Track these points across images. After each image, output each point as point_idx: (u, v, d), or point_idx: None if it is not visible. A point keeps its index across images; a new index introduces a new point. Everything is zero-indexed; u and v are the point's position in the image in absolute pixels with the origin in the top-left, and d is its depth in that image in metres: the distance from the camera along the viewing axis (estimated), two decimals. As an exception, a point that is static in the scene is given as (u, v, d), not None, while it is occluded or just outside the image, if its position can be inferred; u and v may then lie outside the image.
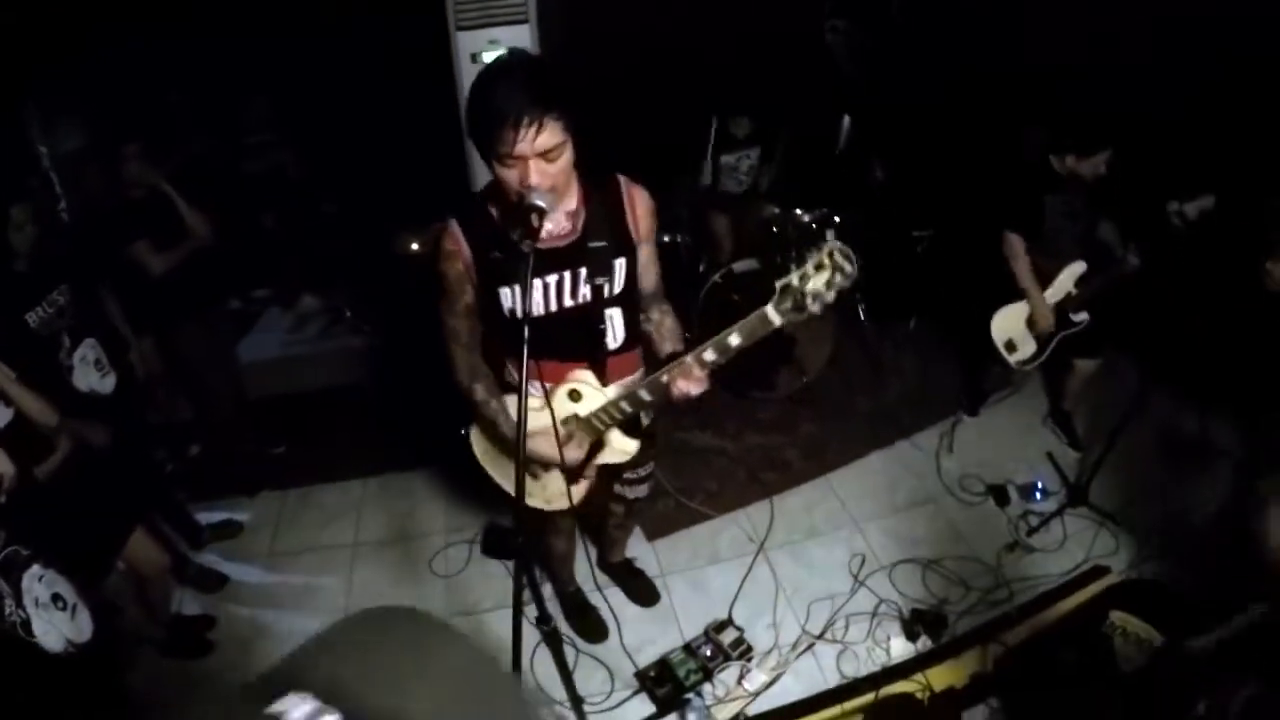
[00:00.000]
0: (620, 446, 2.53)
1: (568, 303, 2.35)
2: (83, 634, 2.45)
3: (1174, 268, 3.91)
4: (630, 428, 2.53)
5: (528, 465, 2.44)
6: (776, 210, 4.99)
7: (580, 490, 2.66)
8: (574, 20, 5.07)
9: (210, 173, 5.19)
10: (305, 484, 4.50)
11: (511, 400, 2.48)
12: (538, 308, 2.32)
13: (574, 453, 2.48)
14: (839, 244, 1.83)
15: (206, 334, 4.15)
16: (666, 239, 5.26)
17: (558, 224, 2.25)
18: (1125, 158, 3.78)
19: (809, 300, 1.86)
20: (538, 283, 2.27)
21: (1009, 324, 4.26)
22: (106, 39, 4.79)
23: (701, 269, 5.31)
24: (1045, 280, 4.11)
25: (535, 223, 1.98)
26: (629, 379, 2.55)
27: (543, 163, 1.99)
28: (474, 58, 4.15)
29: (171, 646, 3.49)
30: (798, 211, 4.90)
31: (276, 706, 0.51)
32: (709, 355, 2.11)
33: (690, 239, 5.40)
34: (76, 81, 4.76)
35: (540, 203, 1.99)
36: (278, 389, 5.18)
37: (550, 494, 2.70)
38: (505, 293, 2.30)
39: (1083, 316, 4.11)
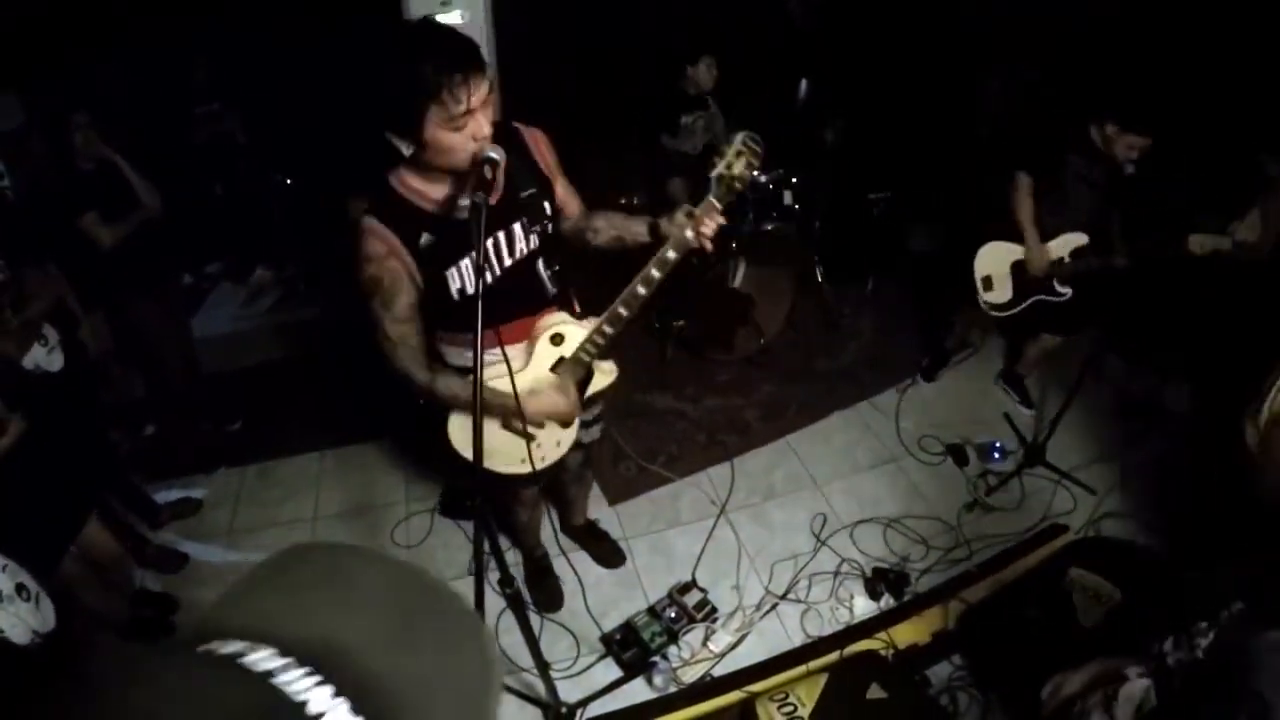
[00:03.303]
0: (605, 367, 2.63)
1: (506, 261, 2.35)
2: (47, 623, 2.41)
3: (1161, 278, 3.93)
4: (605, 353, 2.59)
5: (515, 427, 2.50)
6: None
7: (573, 431, 2.73)
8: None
9: (159, 143, 5.06)
10: (263, 459, 4.43)
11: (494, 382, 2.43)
12: (493, 271, 2.31)
13: (572, 398, 2.55)
14: (747, 132, 2.23)
15: (159, 309, 4.07)
16: (622, 201, 5.22)
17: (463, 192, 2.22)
18: (1161, 158, 3.72)
19: (738, 184, 2.22)
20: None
21: (993, 260, 4.18)
22: (49, 9, 4.65)
23: (658, 231, 5.28)
24: (1043, 237, 4.03)
25: (490, 175, 1.99)
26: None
27: (486, 110, 2.00)
28: (426, 20, 4.07)
29: (133, 630, 3.44)
30: (755, 173, 4.87)
31: (208, 646, 0.50)
32: (671, 254, 2.29)
33: (647, 200, 5.37)
34: (18, 55, 4.62)
35: (493, 154, 2.00)
36: (232, 364, 5.09)
37: (545, 450, 2.69)
38: (452, 273, 2.28)
39: (1066, 290, 4.06)
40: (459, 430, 2.59)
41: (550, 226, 2.43)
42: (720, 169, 2.22)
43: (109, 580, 3.32)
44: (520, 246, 2.36)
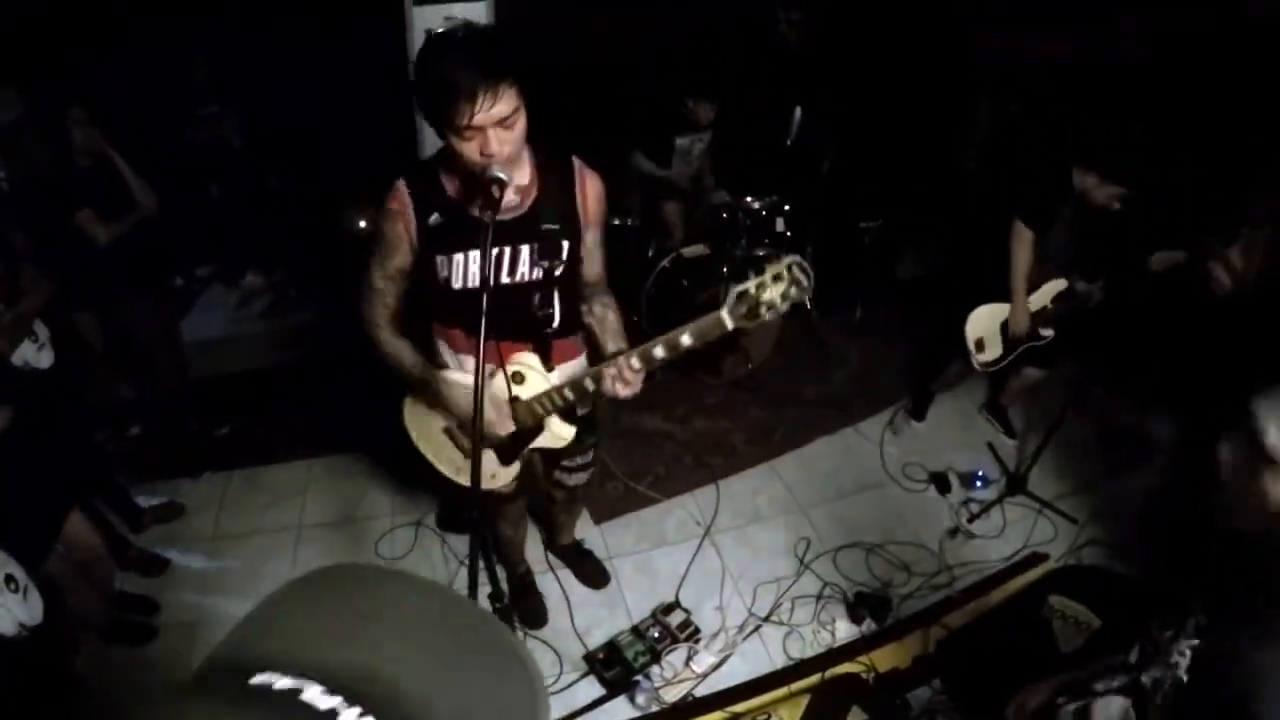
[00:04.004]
0: (558, 432, 2.55)
1: (505, 279, 2.34)
2: (34, 616, 2.41)
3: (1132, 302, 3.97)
4: (569, 415, 2.54)
5: (458, 437, 2.56)
6: (727, 197, 5.01)
7: (512, 471, 2.69)
8: (531, -1, 5.04)
9: (157, 142, 5.06)
10: (249, 465, 4.41)
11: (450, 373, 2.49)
12: (474, 280, 2.30)
13: (505, 425, 2.47)
14: (798, 258, 1.95)
15: (150, 310, 4.05)
16: (617, 222, 5.25)
17: (506, 197, 2.20)
18: (1140, 206, 3.73)
19: (763, 309, 1.97)
20: (477, 255, 2.25)
21: (984, 323, 4.20)
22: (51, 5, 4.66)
23: (651, 254, 5.32)
24: (1030, 288, 4.07)
25: (496, 194, 2.00)
26: (571, 364, 2.58)
27: (501, 130, 2.01)
28: (429, 34, 4.10)
29: (114, 632, 3.42)
30: (748, 199, 4.93)
31: (258, 679, 0.49)
32: (659, 352, 2.15)
33: (641, 223, 5.40)
34: (18, 48, 4.62)
35: (501, 175, 2.01)
36: (221, 368, 5.06)
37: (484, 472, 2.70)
38: (441, 260, 2.30)
39: (1049, 332, 4.11)
40: (410, 412, 2.74)
41: (561, 270, 2.40)
42: (749, 286, 1.97)
43: (92, 580, 3.30)
44: (522, 271, 2.35)
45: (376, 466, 4.40)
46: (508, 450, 2.57)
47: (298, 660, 0.50)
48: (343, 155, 5.17)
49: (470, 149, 2.02)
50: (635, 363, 2.18)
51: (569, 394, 2.36)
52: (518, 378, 2.44)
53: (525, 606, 3.57)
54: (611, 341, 2.47)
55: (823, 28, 5.54)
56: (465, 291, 2.31)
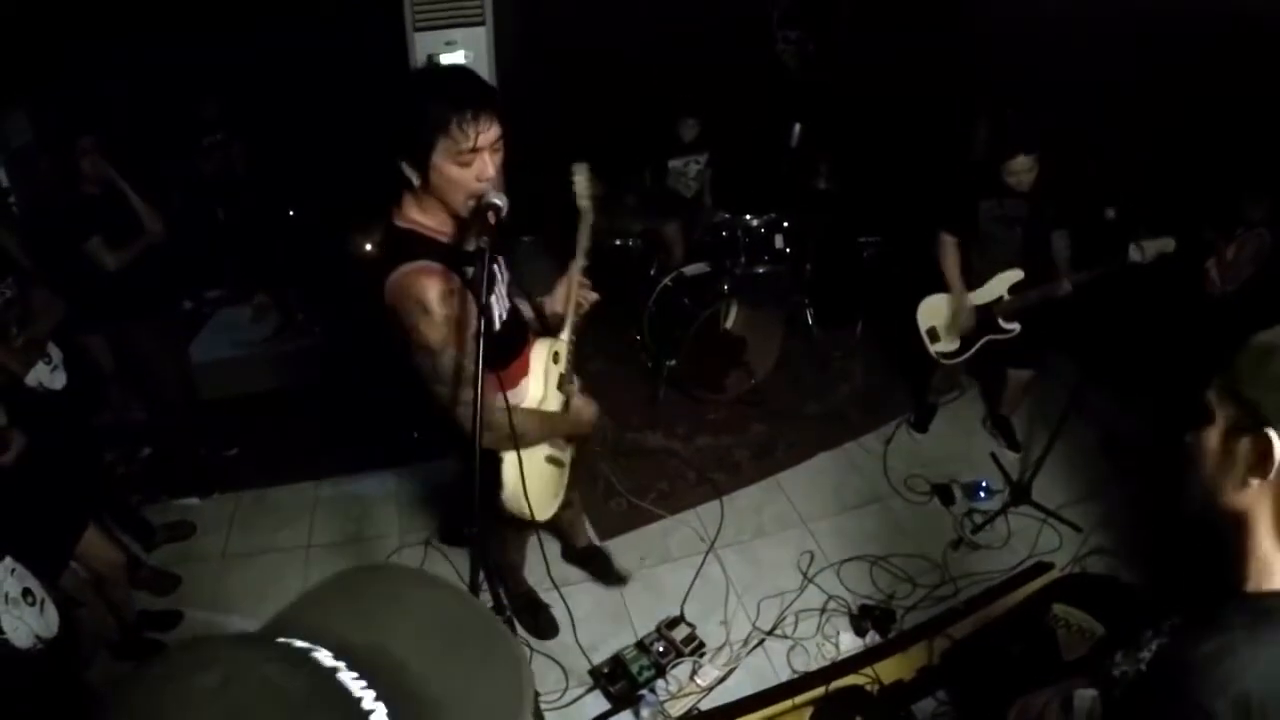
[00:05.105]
0: (582, 411, 2.84)
1: (507, 304, 2.46)
2: (50, 629, 2.45)
3: (1120, 294, 4.02)
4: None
5: (559, 457, 2.77)
6: (726, 215, 5.07)
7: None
8: (530, 23, 5.12)
9: (165, 170, 5.13)
10: (258, 486, 4.46)
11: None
12: (498, 319, 2.37)
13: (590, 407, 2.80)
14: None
15: (159, 333, 4.11)
16: (618, 242, 5.32)
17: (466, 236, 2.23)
18: (1062, 171, 3.86)
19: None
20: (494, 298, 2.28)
21: (933, 312, 4.37)
22: (62, 35, 4.74)
23: (652, 272, 5.37)
24: (977, 281, 4.21)
25: (493, 220, 2.03)
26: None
27: (492, 154, 2.06)
28: (430, 59, 4.18)
29: (126, 649, 3.45)
30: (747, 216, 4.98)
31: (288, 640, 0.56)
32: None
33: (641, 243, 5.46)
34: (29, 77, 4.70)
35: (498, 201, 2.04)
36: (230, 390, 5.12)
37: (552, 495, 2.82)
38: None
39: (1014, 326, 4.20)
40: (511, 468, 2.42)
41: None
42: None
43: (110, 598, 3.34)
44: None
45: (383, 487, 4.44)
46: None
47: (319, 633, 0.57)
48: (347, 179, 5.24)
49: (468, 176, 2.05)
50: (575, 271, 2.49)
51: (574, 335, 2.60)
52: (555, 357, 2.63)
53: (537, 620, 3.60)
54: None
55: (820, 47, 5.60)
56: (501, 327, 2.37)
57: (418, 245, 2.17)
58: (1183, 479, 1.25)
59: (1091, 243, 4.05)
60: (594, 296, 2.69)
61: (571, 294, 2.63)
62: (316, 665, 0.53)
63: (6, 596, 2.31)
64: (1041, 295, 4.02)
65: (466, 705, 0.59)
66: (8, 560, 2.37)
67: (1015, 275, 4.13)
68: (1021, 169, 3.82)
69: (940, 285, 4.30)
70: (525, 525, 2.78)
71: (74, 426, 3.31)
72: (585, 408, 2.85)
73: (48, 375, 3.21)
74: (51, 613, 2.47)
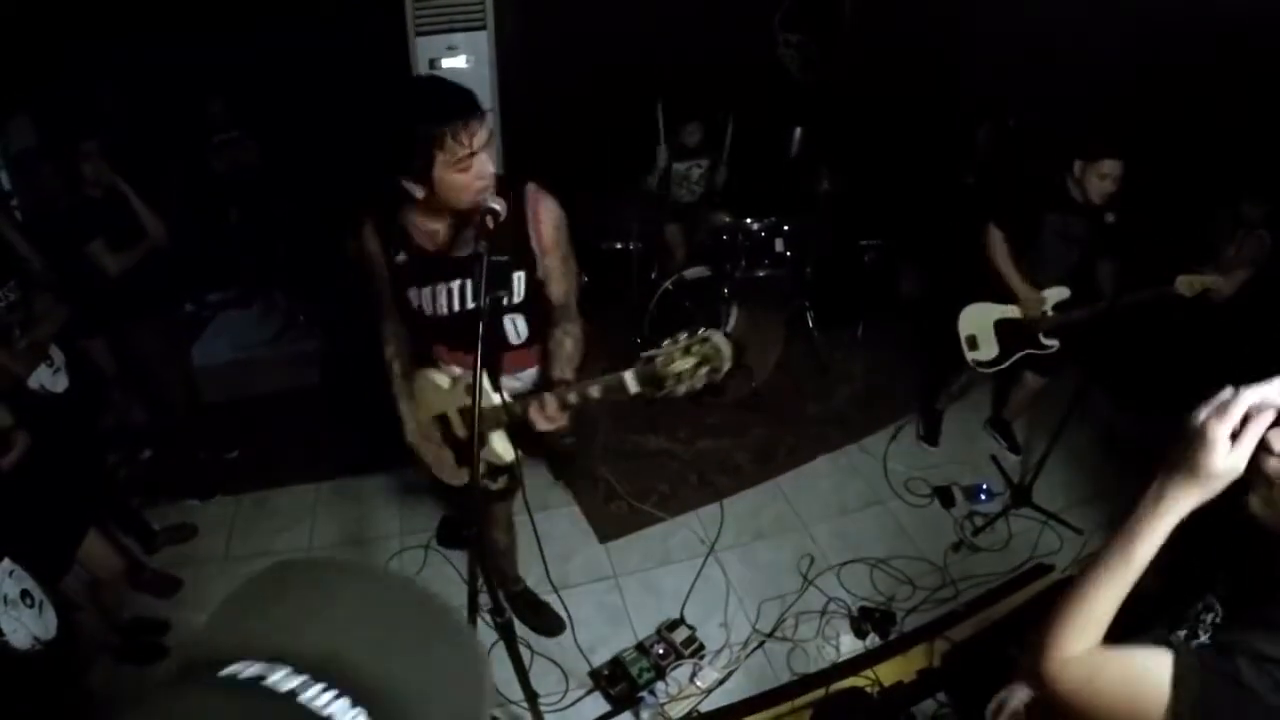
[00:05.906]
0: (498, 449, 2.55)
1: (469, 305, 2.42)
2: (49, 631, 2.45)
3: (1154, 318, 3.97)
4: (519, 436, 2.53)
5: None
6: (727, 219, 5.08)
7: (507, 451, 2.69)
8: (531, 27, 5.13)
9: (173, 170, 5.15)
10: (259, 488, 4.47)
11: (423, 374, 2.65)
12: (442, 309, 2.45)
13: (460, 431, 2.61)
14: (719, 334, 1.94)
15: (160, 336, 4.13)
16: (619, 246, 5.33)
17: (462, 235, 2.33)
18: (1136, 181, 3.78)
19: (670, 381, 1.98)
20: (442, 287, 2.41)
21: (976, 320, 4.27)
22: (65, 38, 4.75)
23: (653, 276, 5.38)
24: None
25: (491, 224, 2.11)
26: (526, 372, 2.72)
27: (488, 153, 2.13)
28: (432, 63, 4.19)
29: (126, 652, 3.46)
30: (748, 220, 4.99)
31: (229, 670, 0.52)
32: (572, 398, 2.27)
33: (642, 246, 5.47)
34: (32, 80, 4.72)
35: (495, 206, 2.12)
36: (231, 393, 5.14)
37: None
38: (412, 294, 2.45)
39: (1053, 343, 4.15)
40: (408, 415, 2.76)
41: (510, 299, 2.44)
42: (658, 355, 1.99)
43: (104, 602, 3.35)
44: (470, 305, 2.41)
45: (384, 489, 4.45)
46: (464, 451, 2.62)
47: (262, 648, 0.53)
48: (349, 180, 5.25)
49: (465, 179, 2.10)
50: (552, 403, 2.28)
51: (515, 410, 2.38)
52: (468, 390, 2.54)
53: (539, 619, 3.60)
54: (559, 369, 2.51)
55: (822, 51, 5.61)
56: (436, 317, 2.47)
57: (385, 214, 2.40)
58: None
59: (1131, 267, 4.00)
60: (548, 426, 2.36)
61: (543, 407, 2.33)
62: (272, 695, 0.51)
63: (5, 598, 2.31)
64: (1087, 316, 3.96)
65: (428, 693, 0.58)
66: (6, 562, 2.38)
67: (1063, 293, 4.06)
68: (1110, 173, 3.71)
69: (981, 293, 4.22)
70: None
71: (76, 429, 3.32)
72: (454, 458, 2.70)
73: (50, 378, 3.22)
74: (50, 615, 2.47)
